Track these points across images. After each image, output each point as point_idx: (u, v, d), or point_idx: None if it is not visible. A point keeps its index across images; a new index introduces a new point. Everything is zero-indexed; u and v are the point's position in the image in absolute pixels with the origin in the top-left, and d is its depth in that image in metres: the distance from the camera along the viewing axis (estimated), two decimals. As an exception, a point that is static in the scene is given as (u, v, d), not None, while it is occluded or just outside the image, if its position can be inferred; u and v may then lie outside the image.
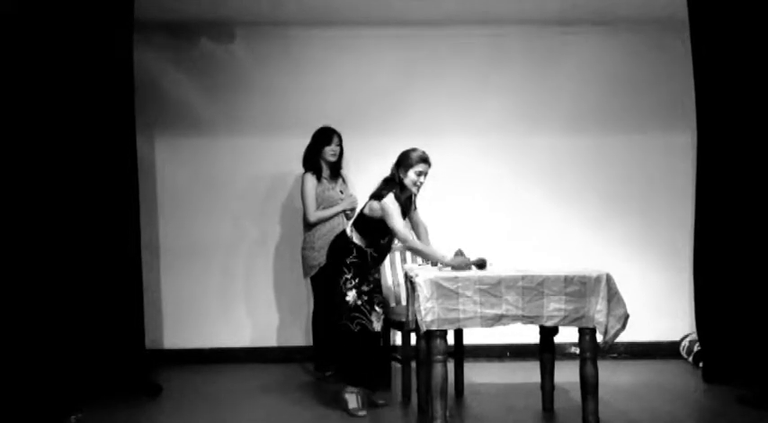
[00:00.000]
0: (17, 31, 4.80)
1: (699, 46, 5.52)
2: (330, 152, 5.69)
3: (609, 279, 4.35)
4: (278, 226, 6.43)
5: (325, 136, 5.70)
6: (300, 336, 6.38)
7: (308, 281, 5.79)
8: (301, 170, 5.80)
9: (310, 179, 5.66)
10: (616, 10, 6.14)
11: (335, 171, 5.79)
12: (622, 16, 6.26)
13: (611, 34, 6.44)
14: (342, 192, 5.77)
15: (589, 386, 4.37)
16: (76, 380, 5.06)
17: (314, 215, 5.63)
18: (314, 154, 5.71)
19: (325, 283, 5.58)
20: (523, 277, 4.31)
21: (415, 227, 5.13)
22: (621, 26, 6.39)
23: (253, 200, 6.42)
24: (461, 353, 5.29)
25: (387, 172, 6.09)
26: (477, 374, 5.77)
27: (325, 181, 5.70)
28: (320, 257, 5.52)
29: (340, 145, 5.75)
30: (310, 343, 5.95)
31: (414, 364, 5.08)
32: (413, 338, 5.17)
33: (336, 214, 5.68)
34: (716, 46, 5.45)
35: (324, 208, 5.67)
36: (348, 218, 5.70)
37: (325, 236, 5.57)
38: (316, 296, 5.74)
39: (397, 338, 5.80)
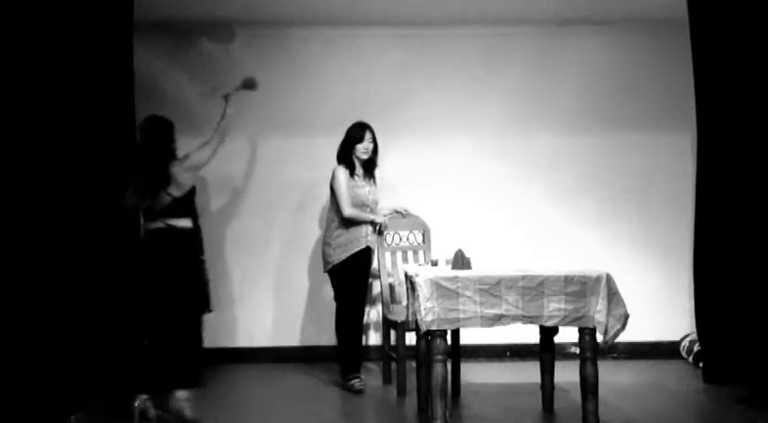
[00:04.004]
0: (16, 31, 4.80)
1: (699, 46, 5.52)
2: (362, 149, 5.51)
3: (609, 279, 4.35)
4: (277, 225, 6.43)
5: (357, 134, 5.52)
6: (296, 336, 6.43)
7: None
8: (301, 168, 5.79)
9: (342, 172, 5.48)
10: (616, 10, 6.14)
11: (369, 171, 5.61)
12: (622, 16, 6.26)
13: (611, 34, 6.44)
14: (370, 192, 5.56)
15: (589, 386, 4.37)
16: (76, 380, 5.05)
17: (350, 210, 5.43)
18: (346, 150, 5.55)
19: (340, 282, 5.50)
20: (523, 277, 4.30)
21: None
22: (621, 26, 6.40)
23: (252, 199, 6.42)
24: (458, 353, 5.28)
25: (387, 170, 6.12)
26: (477, 374, 5.77)
27: (357, 178, 5.53)
28: (335, 255, 5.44)
29: (374, 141, 5.56)
30: (307, 343, 5.96)
31: (410, 364, 5.09)
32: (408, 338, 5.20)
33: (367, 222, 5.50)
34: (716, 46, 5.45)
35: (352, 204, 5.45)
36: (375, 230, 5.56)
37: (341, 236, 5.46)
38: (335, 294, 5.58)
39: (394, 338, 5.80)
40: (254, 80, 5.31)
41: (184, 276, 4.75)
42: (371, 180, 5.62)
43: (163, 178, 4.73)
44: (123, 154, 5.30)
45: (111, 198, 4.97)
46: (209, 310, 4.91)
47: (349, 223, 5.45)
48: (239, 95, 6.29)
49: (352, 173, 5.51)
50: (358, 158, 5.54)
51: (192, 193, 4.87)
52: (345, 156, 5.54)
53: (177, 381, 4.66)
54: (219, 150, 5.08)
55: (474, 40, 6.45)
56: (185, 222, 4.79)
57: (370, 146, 5.52)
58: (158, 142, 4.80)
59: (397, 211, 5.78)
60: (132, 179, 4.78)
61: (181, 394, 4.65)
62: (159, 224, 4.75)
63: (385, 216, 5.68)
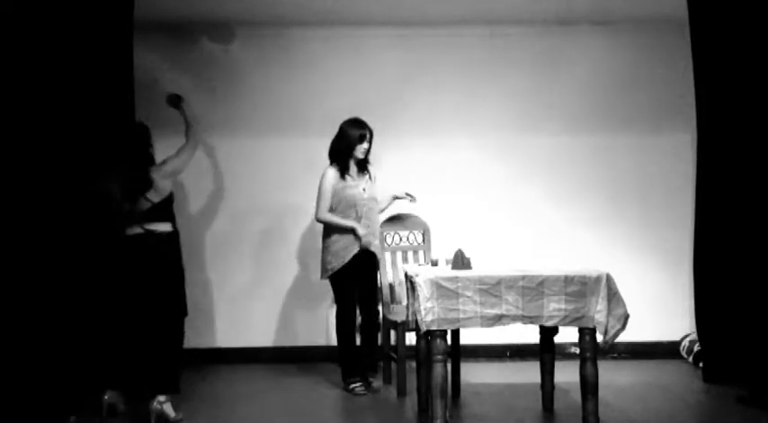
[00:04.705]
0: (16, 31, 4.79)
1: (699, 46, 5.52)
2: (362, 150, 5.36)
3: (609, 279, 4.35)
4: (277, 225, 6.43)
5: (358, 133, 5.32)
6: (295, 336, 6.42)
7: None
8: (300, 168, 5.76)
9: (330, 175, 5.33)
10: (616, 10, 6.14)
11: (363, 166, 5.44)
12: (622, 16, 6.26)
13: (611, 34, 6.44)
14: (365, 190, 5.39)
15: (589, 386, 4.37)
16: (76, 380, 5.05)
17: (322, 215, 5.34)
18: (344, 149, 5.36)
19: (341, 287, 5.39)
20: (523, 277, 4.30)
21: None
22: (621, 26, 6.40)
23: (252, 199, 6.41)
24: (458, 353, 5.28)
25: (387, 170, 6.11)
26: (477, 374, 5.77)
27: (349, 178, 5.37)
28: (334, 261, 5.31)
29: (370, 141, 5.41)
30: (306, 343, 5.94)
31: (410, 364, 5.09)
32: (408, 338, 5.18)
33: (347, 229, 5.31)
34: (716, 46, 5.45)
35: (343, 206, 5.34)
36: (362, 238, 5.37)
37: (338, 242, 5.32)
38: (336, 298, 5.48)
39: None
40: (176, 97, 5.24)
41: (168, 280, 4.79)
42: (366, 175, 5.48)
43: (143, 183, 4.77)
44: (123, 154, 5.29)
45: (104, 194, 5.01)
46: (186, 315, 4.96)
47: (342, 231, 5.34)
48: (239, 94, 6.36)
49: (344, 173, 5.37)
50: (355, 158, 5.41)
51: (170, 198, 4.90)
52: (341, 155, 5.39)
53: (159, 385, 4.71)
54: (196, 153, 5.18)
55: (474, 40, 6.44)
56: (165, 226, 4.83)
57: (368, 145, 5.41)
58: (136, 148, 4.84)
59: (397, 198, 5.63)
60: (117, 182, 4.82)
61: (162, 397, 4.69)
62: (137, 229, 4.77)
63: (383, 209, 5.61)
